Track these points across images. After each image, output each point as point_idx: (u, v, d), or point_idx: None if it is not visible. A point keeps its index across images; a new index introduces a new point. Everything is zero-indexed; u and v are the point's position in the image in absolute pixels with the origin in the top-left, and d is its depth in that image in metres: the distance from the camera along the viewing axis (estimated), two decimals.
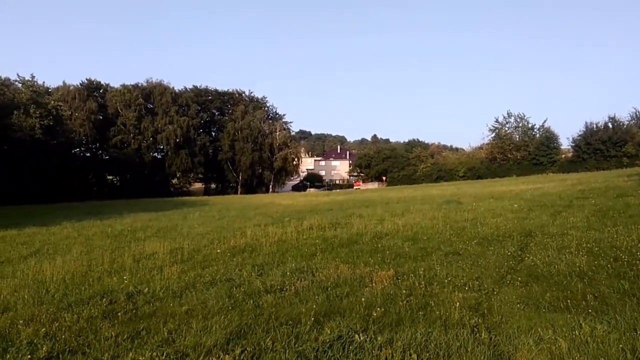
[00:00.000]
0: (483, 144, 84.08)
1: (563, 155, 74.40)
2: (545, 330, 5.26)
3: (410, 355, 4.75)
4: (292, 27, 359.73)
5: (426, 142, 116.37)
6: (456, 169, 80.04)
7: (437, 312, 6.01)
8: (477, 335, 5.25)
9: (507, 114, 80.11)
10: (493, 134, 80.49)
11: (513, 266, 8.37)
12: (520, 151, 74.27)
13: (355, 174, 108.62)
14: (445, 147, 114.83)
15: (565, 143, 76.18)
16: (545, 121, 79.59)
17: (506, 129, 79.59)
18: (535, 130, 78.00)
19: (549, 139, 73.68)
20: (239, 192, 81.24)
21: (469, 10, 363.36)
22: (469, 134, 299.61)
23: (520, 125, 79.19)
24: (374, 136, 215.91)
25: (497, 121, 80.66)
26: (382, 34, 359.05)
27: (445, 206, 20.17)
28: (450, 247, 10.46)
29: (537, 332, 5.23)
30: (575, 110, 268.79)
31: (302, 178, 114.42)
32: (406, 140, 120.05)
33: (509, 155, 74.87)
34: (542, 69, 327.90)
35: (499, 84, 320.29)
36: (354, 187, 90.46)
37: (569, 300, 6.23)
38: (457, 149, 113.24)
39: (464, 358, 4.69)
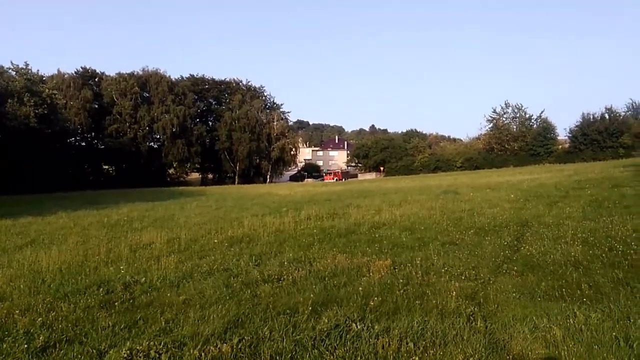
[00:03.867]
0: (481, 134, 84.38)
1: (560, 146, 74.64)
2: (540, 318, 5.30)
3: (407, 343, 4.78)
4: (290, 16, 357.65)
5: (424, 132, 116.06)
6: (454, 160, 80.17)
7: (434, 301, 6.04)
8: (473, 323, 5.30)
9: (505, 104, 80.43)
10: (491, 125, 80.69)
11: (509, 256, 8.42)
12: (518, 142, 74.37)
13: (353, 164, 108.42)
14: (443, 137, 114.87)
15: (562, 134, 76.70)
16: (542, 112, 79.81)
17: (504, 119, 79.72)
18: (532, 120, 78.14)
19: (546, 130, 73.83)
20: (236, 182, 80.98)
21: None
22: (466, 124, 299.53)
23: (518, 115, 79.28)
24: (372, 126, 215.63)
25: (494, 112, 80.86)
26: (380, 23, 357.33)
27: (443, 196, 20.22)
28: (447, 237, 10.50)
29: (532, 320, 5.28)
30: (573, 100, 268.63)
31: (299, 168, 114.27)
32: (404, 131, 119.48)
33: (507, 146, 75.00)
34: (541, 59, 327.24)
35: (497, 74, 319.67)
36: (325, 180, 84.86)
37: (564, 290, 6.28)
38: (454, 140, 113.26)
39: (460, 346, 4.72)
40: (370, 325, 5.32)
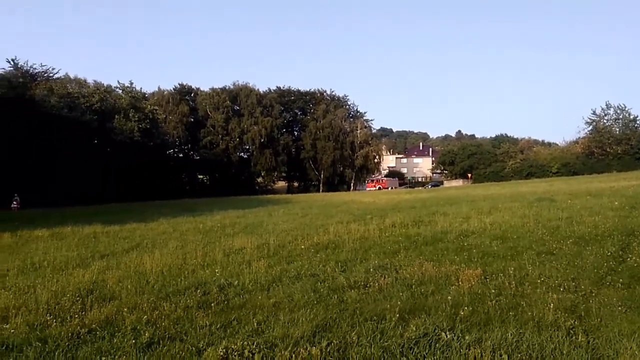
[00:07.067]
0: (579, 138, 79.13)
1: None
2: None
3: (501, 355, 4.60)
4: (372, 26, 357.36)
5: (515, 137, 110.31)
6: (549, 165, 75.67)
7: (529, 313, 5.75)
8: (574, 337, 4.98)
9: (606, 105, 75.15)
10: (590, 127, 75.60)
11: (613, 267, 7.81)
12: (621, 145, 68.78)
13: (438, 171, 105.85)
14: (536, 142, 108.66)
15: None
16: None
17: (605, 121, 74.32)
18: (638, 122, 71.96)
19: None
20: (320, 190, 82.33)
21: None
22: (562, 127, 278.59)
23: (621, 117, 73.60)
24: (458, 132, 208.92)
25: (594, 113, 75.66)
26: (465, 23, 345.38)
27: (537, 204, 19.13)
28: (543, 246, 9.95)
29: None
30: None
31: (383, 176, 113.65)
32: (493, 136, 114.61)
33: (608, 150, 69.58)
34: None
35: (596, 72, 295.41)
36: (367, 189, 78.50)
37: None
38: (549, 144, 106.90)
39: None
40: (460, 335, 5.18)
